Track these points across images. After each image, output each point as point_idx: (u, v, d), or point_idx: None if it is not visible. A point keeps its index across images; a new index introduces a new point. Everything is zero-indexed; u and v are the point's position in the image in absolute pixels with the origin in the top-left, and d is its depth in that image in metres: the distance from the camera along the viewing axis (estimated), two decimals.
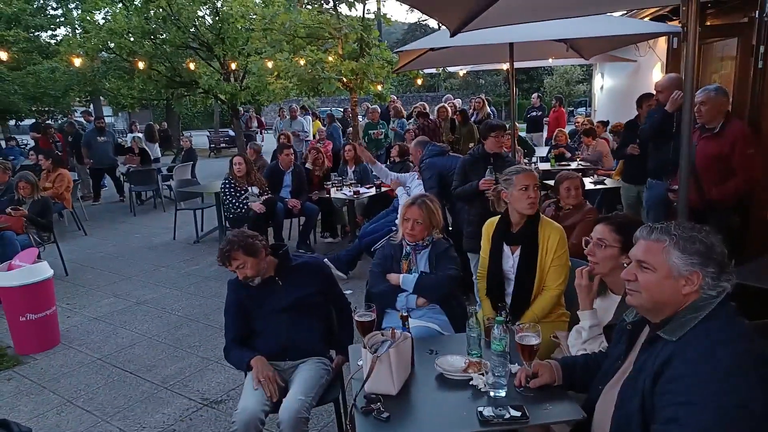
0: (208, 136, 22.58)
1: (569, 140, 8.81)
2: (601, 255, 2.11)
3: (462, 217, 4.34)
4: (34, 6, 14.55)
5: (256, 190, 6.30)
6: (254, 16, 10.47)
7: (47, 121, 13.25)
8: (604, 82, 11.35)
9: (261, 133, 14.13)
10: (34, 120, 13.69)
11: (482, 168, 3.88)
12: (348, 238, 6.81)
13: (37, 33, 15.34)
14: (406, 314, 2.32)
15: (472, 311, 2.13)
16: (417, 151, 5.14)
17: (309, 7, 9.73)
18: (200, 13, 11.80)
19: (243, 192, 6.24)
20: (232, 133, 18.69)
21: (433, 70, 10.40)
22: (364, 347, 1.92)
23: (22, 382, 3.76)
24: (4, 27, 12.64)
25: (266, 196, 6.27)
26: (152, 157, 11.36)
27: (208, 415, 3.26)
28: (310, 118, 13.56)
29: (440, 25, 3.89)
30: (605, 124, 8.90)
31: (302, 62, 8.97)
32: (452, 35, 3.06)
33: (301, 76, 8.98)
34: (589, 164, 7.32)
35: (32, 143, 12.44)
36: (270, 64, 9.67)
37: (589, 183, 5.84)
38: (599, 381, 1.74)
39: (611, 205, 6.09)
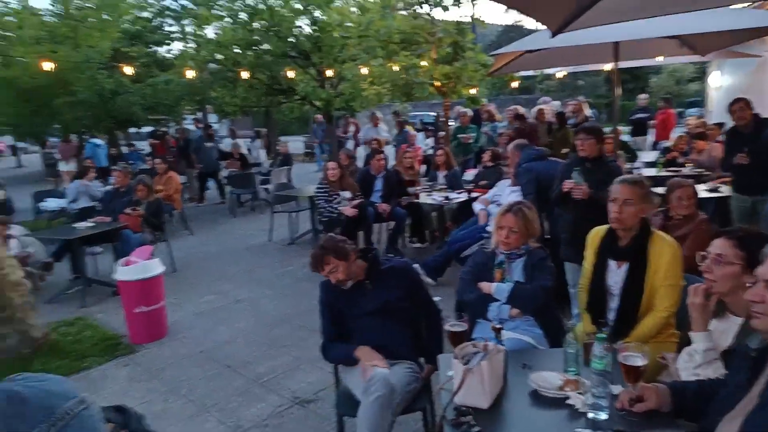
0: (303, 141, 23.49)
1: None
2: (720, 273, 1.89)
3: (559, 224, 4.15)
4: (153, 24, 16.02)
5: (348, 194, 6.43)
6: (350, 24, 10.76)
7: (162, 129, 14.46)
8: (722, 81, 10.40)
9: (356, 139, 14.45)
10: (151, 128, 14.98)
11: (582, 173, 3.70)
12: (437, 243, 6.75)
13: (154, 48, 16.84)
14: (499, 326, 2.23)
15: (569, 326, 2.01)
16: (515, 154, 4.96)
17: (403, 12, 9.80)
18: (299, 24, 12.33)
19: (335, 196, 6.39)
20: None
21: (530, 72, 10.10)
22: (456, 358, 1.87)
23: (135, 369, 4.09)
24: (128, 44, 14.02)
25: (357, 201, 6.38)
26: (258, 162, 12.05)
27: (299, 413, 3.35)
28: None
29: (538, 26, 3.75)
30: (721, 126, 8.13)
31: (396, 68, 9.07)
32: (553, 35, 2.92)
33: (394, 81, 9.08)
34: (702, 170, 6.72)
35: (148, 149, 13.64)
36: (364, 70, 9.87)
37: (702, 190, 5.35)
38: (716, 411, 1.56)
39: (726, 215, 5.53)
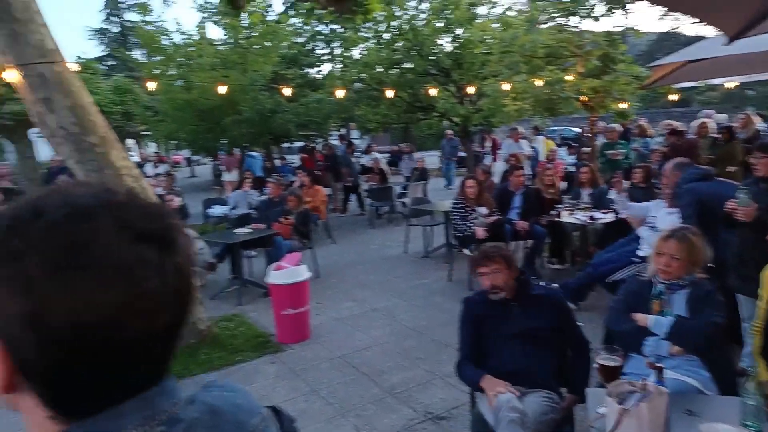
0: (438, 156, 23.69)
1: None
2: None
3: (726, 250, 3.70)
4: (306, 48, 17.40)
5: (484, 210, 6.35)
6: (492, 41, 10.69)
7: (311, 144, 15.57)
8: None
9: (494, 154, 14.25)
10: (302, 143, 16.19)
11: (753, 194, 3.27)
12: (577, 265, 6.37)
13: (306, 70, 18.26)
14: (659, 364, 2.03)
15: (749, 371, 1.76)
16: (674, 174, 4.51)
17: (546, 26, 9.48)
18: (440, 42, 12.55)
19: (471, 212, 6.34)
20: (461, 153, 19.32)
21: (690, 84, 9.17)
22: (609, 396, 1.74)
23: (281, 367, 4.40)
24: (285, 67, 15.38)
25: (494, 218, 6.26)
26: (406, 175, 12.58)
27: (431, 429, 3.35)
28: (542, 138, 13.22)
29: (699, 32, 3.39)
30: None
31: (540, 83, 8.80)
32: (730, 42, 2.63)
33: (537, 96, 8.81)
34: None
35: (298, 162, 14.75)
36: (506, 87, 9.72)
37: None
38: None
39: None
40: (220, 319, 5.46)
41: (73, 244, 0.52)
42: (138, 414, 0.56)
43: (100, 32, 36.09)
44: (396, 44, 12.66)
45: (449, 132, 15.93)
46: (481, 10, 12.60)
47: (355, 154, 12.78)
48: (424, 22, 12.15)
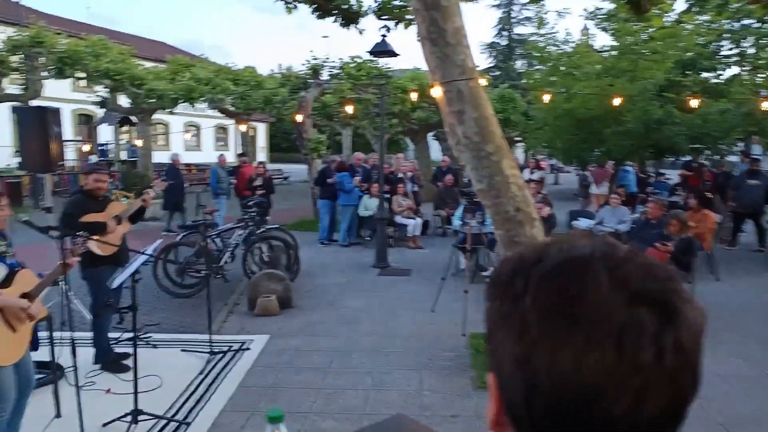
0: None
1: None
2: None
3: None
4: (709, 49, 15.04)
5: None
6: None
7: (701, 160, 13.50)
8: None
9: None
10: (688, 157, 14.19)
11: None
12: None
13: (705, 75, 15.83)
14: None
15: None
16: None
17: None
18: None
19: None
20: None
21: None
22: None
23: None
24: (680, 73, 13.66)
25: None
26: None
27: None
28: None
29: None
30: None
31: None
32: None
33: None
34: None
35: (675, 179, 13.03)
36: None
37: None
38: None
39: None
40: None
41: (565, 294, 0.50)
42: None
43: (490, 46, 39.90)
44: None
45: None
46: None
47: (763, 176, 10.38)
48: None
